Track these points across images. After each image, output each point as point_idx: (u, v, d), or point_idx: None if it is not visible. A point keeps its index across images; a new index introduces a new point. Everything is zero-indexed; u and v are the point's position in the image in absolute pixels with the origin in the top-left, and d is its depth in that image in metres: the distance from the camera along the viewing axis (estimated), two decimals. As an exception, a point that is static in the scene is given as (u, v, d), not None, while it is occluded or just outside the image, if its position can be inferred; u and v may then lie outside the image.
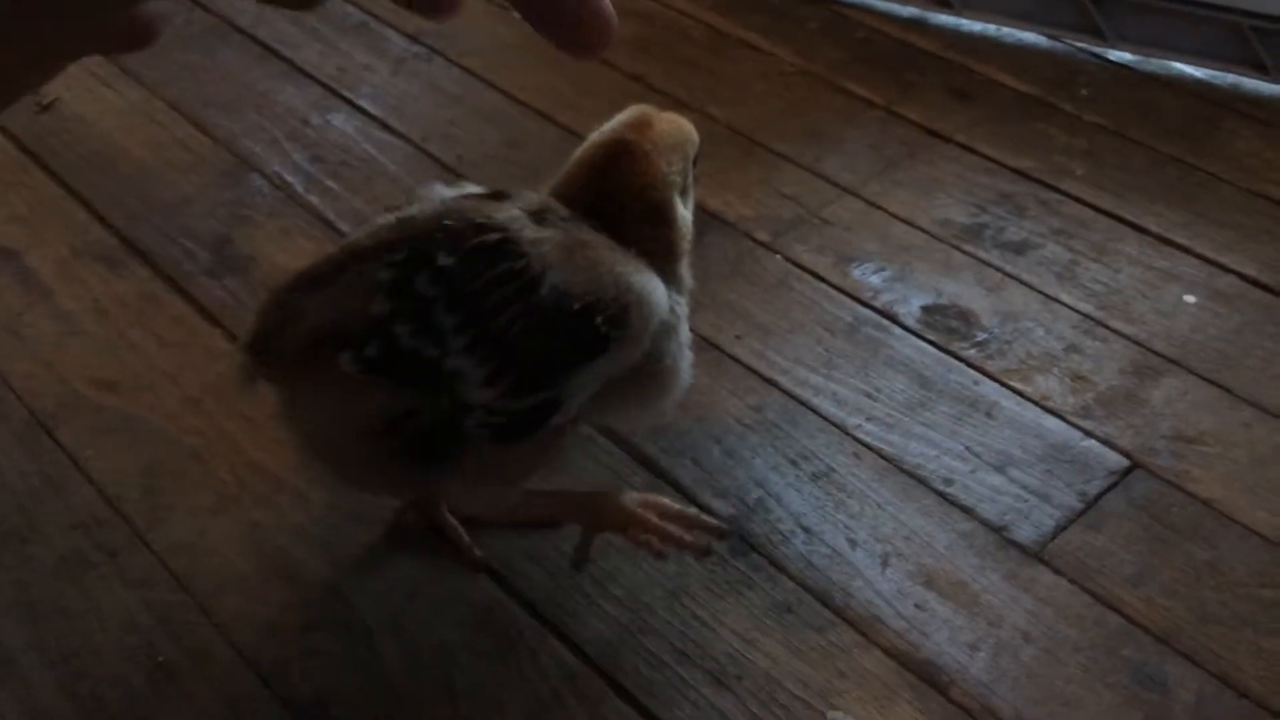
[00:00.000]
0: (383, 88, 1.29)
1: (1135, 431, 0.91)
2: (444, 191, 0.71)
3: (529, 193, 0.70)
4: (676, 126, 0.74)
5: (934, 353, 0.98)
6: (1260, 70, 1.28)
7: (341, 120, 1.24)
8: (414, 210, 0.68)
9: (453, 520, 0.81)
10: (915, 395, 0.94)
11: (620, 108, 0.75)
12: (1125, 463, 0.89)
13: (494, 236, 0.63)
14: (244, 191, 1.15)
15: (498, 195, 0.70)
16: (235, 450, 0.89)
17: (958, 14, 1.40)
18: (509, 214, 0.66)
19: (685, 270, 0.73)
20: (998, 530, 0.84)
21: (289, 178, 1.16)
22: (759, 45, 1.36)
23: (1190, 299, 1.03)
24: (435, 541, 0.83)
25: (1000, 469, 0.88)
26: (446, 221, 0.65)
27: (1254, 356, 0.97)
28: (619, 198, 0.68)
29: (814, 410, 0.93)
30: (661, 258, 0.69)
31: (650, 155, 0.69)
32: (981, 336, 1.00)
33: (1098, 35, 1.36)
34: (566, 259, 0.64)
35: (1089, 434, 0.91)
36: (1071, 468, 0.88)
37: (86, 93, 1.27)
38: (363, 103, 1.27)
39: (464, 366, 0.62)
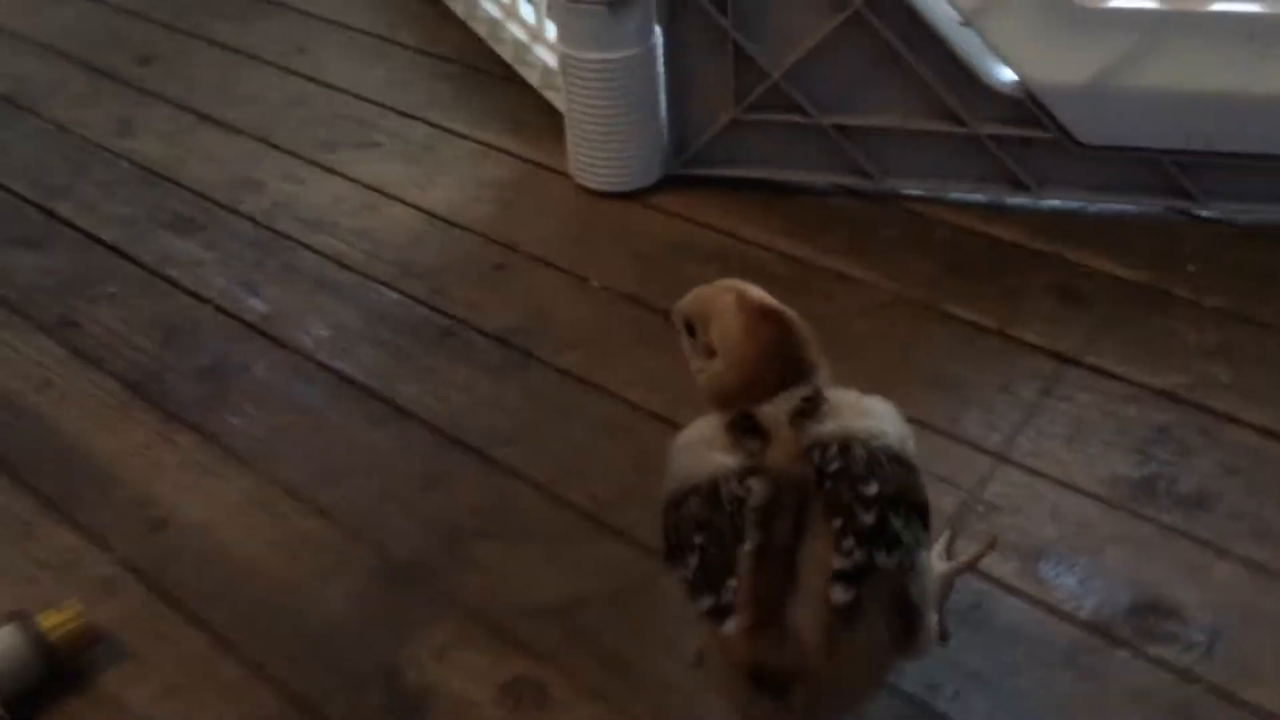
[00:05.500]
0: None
1: None
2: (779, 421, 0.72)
3: (784, 398, 0.73)
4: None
5: (1162, 676, 0.87)
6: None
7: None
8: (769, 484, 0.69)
9: None
10: (1162, 737, 0.83)
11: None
12: None
13: (861, 451, 0.70)
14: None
15: (795, 413, 0.72)
16: None
17: (1035, 196, 1.30)
18: (827, 427, 0.71)
19: None
20: None
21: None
22: (846, 272, 1.25)
23: None
24: None
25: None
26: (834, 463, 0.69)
27: None
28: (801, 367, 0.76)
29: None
30: None
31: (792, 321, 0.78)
32: (1199, 639, 0.89)
33: (1186, 197, 1.28)
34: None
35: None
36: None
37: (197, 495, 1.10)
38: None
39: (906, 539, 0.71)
